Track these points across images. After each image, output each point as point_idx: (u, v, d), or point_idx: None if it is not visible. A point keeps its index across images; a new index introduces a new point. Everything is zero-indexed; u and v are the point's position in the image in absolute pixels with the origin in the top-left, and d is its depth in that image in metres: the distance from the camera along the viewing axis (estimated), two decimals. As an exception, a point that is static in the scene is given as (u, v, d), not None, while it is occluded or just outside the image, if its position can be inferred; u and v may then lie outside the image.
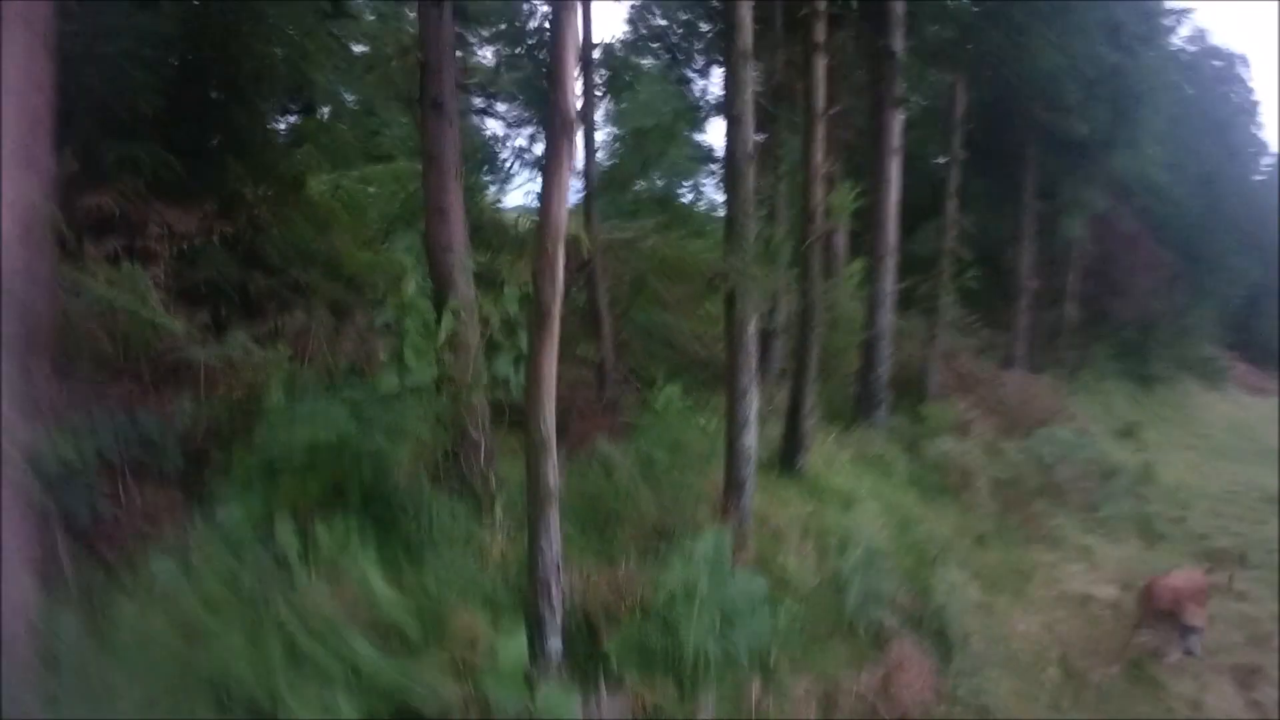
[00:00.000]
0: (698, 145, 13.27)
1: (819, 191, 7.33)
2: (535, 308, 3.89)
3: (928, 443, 9.20)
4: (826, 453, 8.20)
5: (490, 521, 5.22)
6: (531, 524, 4.01)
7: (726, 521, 5.55)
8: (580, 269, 8.34)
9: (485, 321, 5.61)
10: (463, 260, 5.52)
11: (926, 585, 6.09)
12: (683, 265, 9.66)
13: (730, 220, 5.94)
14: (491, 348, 5.57)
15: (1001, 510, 8.83)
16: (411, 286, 4.99)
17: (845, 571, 5.55)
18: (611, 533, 5.41)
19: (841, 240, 10.27)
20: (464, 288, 5.44)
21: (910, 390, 10.00)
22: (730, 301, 5.81)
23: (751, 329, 5.92)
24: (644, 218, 10.46)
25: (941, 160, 11.76)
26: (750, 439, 5.90)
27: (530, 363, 4.03)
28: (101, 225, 6.50)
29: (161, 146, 6.98)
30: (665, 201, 10.28)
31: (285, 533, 3.91)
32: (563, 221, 3.88)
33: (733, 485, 5.89)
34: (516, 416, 7.39)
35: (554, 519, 3.99)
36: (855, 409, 9.33)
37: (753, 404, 5.91)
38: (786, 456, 7.51)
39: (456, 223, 5.50)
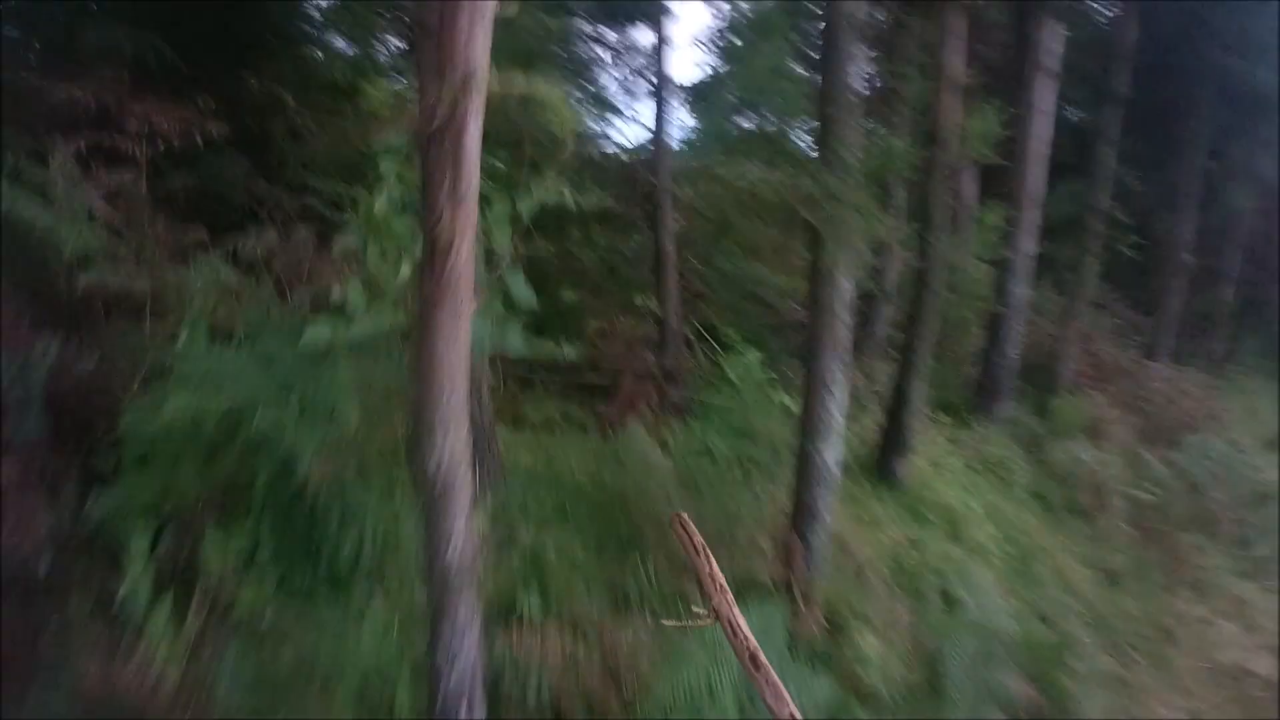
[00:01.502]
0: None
1: (952, 106, 5.62)
2: (425, 237, 2.33)
3: (1055, 446, 7.50)
4: (934, 454, 6.67)
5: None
6: (432, 622, 2.53)
7: (787, 563, 4.15)
8: (645, 199, 6.90)
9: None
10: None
11: (1052, 673, 4.57)
12: (779, 204, 7.97)
13: (823, 122, 4.12)
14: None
15: (1141, 541, 7.11)
16: (383, 198, 3.64)
17: (949, 665, 4.06)
18: (626, 561, 4.11)
19: (971, 183, 8.40)
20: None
21: (1037, 378, 8.22)
22: (816, 243, 4.10)
23: (845, 287, 4.17)
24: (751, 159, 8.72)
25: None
26: (832, 449, 4.33)
27: (418, 344, 2.41)
28: (75, 122, 5.45)
29: (156, 33, 5.84)
30: (775, 142, 8.47)
31: (136, 558, 2.69)
32: (476, 58, 2.19)
33: (803, 513, 4.37)
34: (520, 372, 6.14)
35: (467, 611, 2.52)
36: (972, 399, 7.65)
37: (840, 397, 4.29)
38: (884, 459, 6.02)
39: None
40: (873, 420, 6.53)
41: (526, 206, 4.26)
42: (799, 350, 7.77)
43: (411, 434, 2.91)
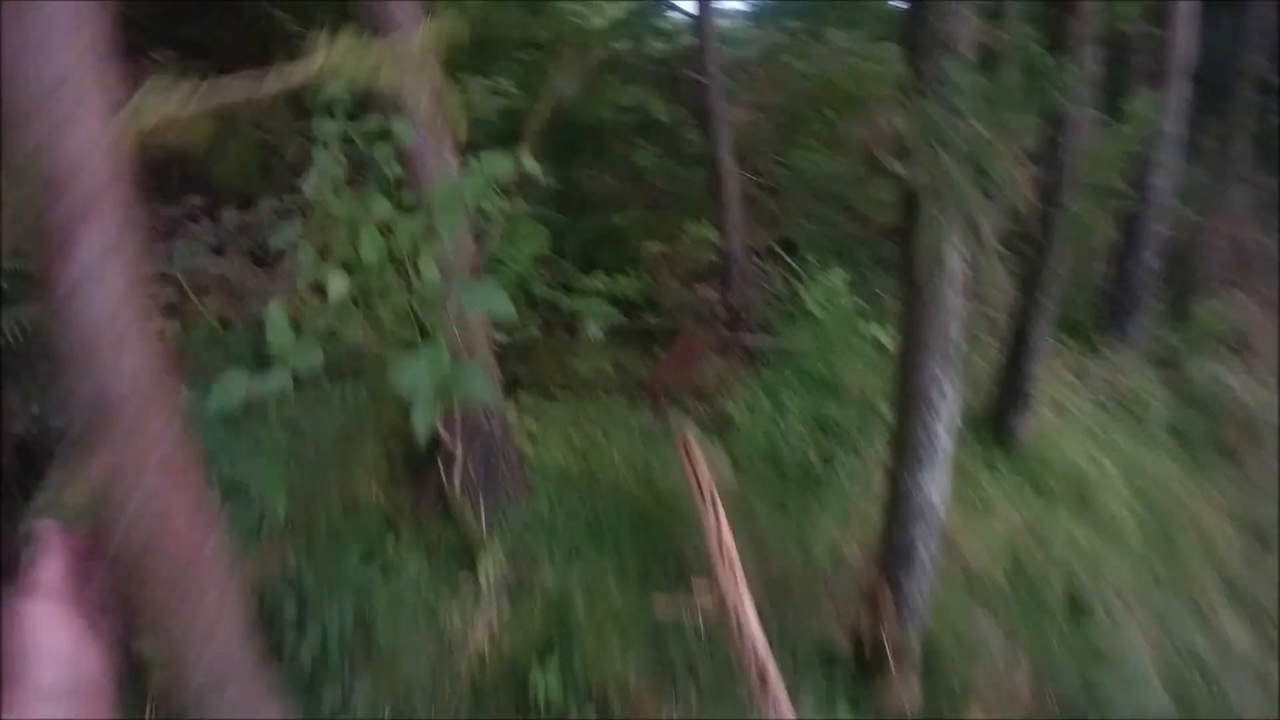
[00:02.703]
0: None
1: None
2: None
3: (1195, 366, 6.29)
4: (1058, 394, 5.60)
5: (474, 579, 3.30)
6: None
7: (874, 615, 3.28)
8: (693, 101, 5.70)
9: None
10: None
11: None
12: (865, 87, 6.53)
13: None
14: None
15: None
16: (317, 174, 2.63)
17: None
18: (674, 601, 3.29)
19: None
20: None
21: (1174, 277, 6.87)
22: (911, 209, 2.80)
23: (956, 267, 2.89)
24: (823, 22, 7.09)
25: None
26: (937, 481, 3.21)
27: None
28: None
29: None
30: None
31: None
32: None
33: (895, 557, 3.29)
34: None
35: None
36: (1101, 315, 6.42)
37: (948, 414, 3.11)
38: (999, 416, 5.00)
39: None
40: (983, 359, 5.45)
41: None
42: (892, 264, 6.72)
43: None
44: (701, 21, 5.52)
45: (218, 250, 4.15)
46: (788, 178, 6.64)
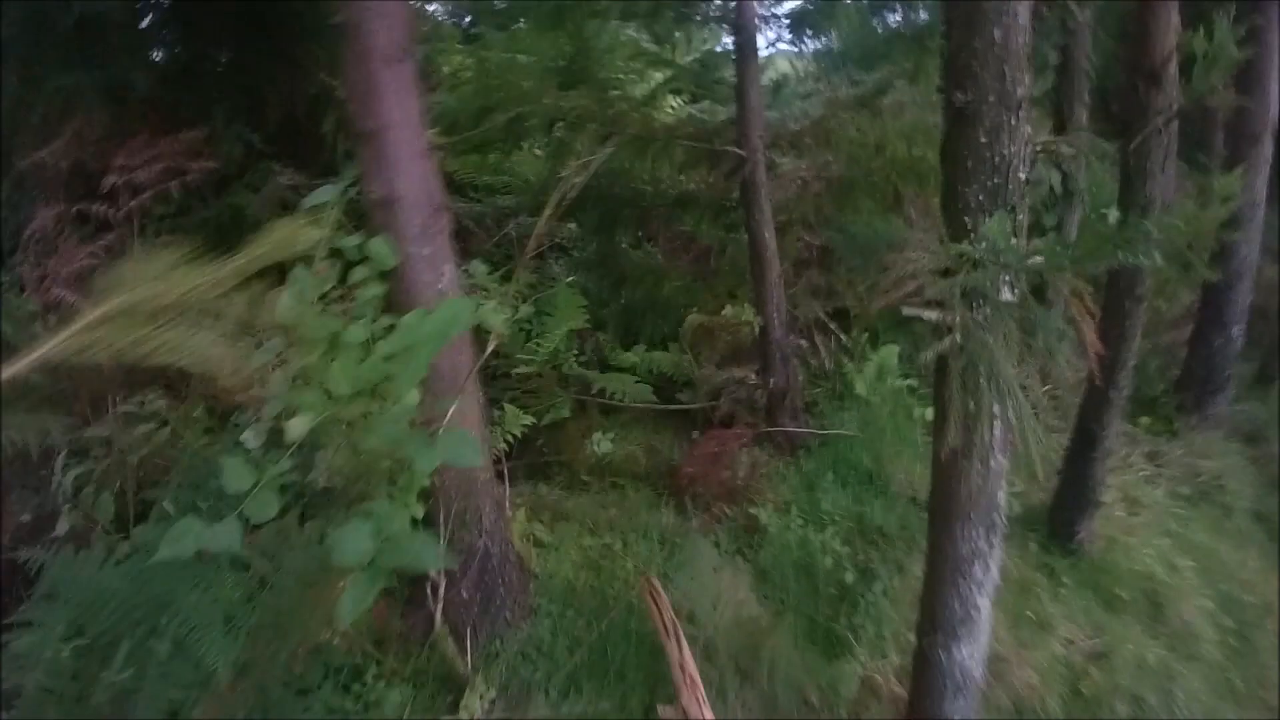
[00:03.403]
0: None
1: (1165, 19, 3.74)
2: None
3: (1281, 445, 5.74)
4: (1128, 485, 5.17)
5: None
6: None
7: None
8: (731, 173, 5.52)
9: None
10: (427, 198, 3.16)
11: None
12: (927, 150, 6.17)
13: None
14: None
15: None
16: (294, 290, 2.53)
17: None
18: None
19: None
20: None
21: (1258, 346, 6.30)
22: (942, 371, 2.47)
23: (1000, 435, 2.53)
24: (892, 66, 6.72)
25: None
26: (975, 652, 2.87)
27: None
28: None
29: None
30: (922, 40, 6.48)
31: None
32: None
33: None
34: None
35: None
36: (1180, 391, 5.95)
37: (989, 582, 2.78)
38: (1063, 518, 4.63)
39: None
40: (1049, 444, 5.05)
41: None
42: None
43: None
44: (743, 91, 5.33)
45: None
46: (839, 243, 6.36)
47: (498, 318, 3.55)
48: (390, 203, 3.06)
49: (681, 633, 2.34)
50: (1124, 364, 4.29)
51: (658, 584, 2.37)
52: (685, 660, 2.30)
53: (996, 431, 2.55)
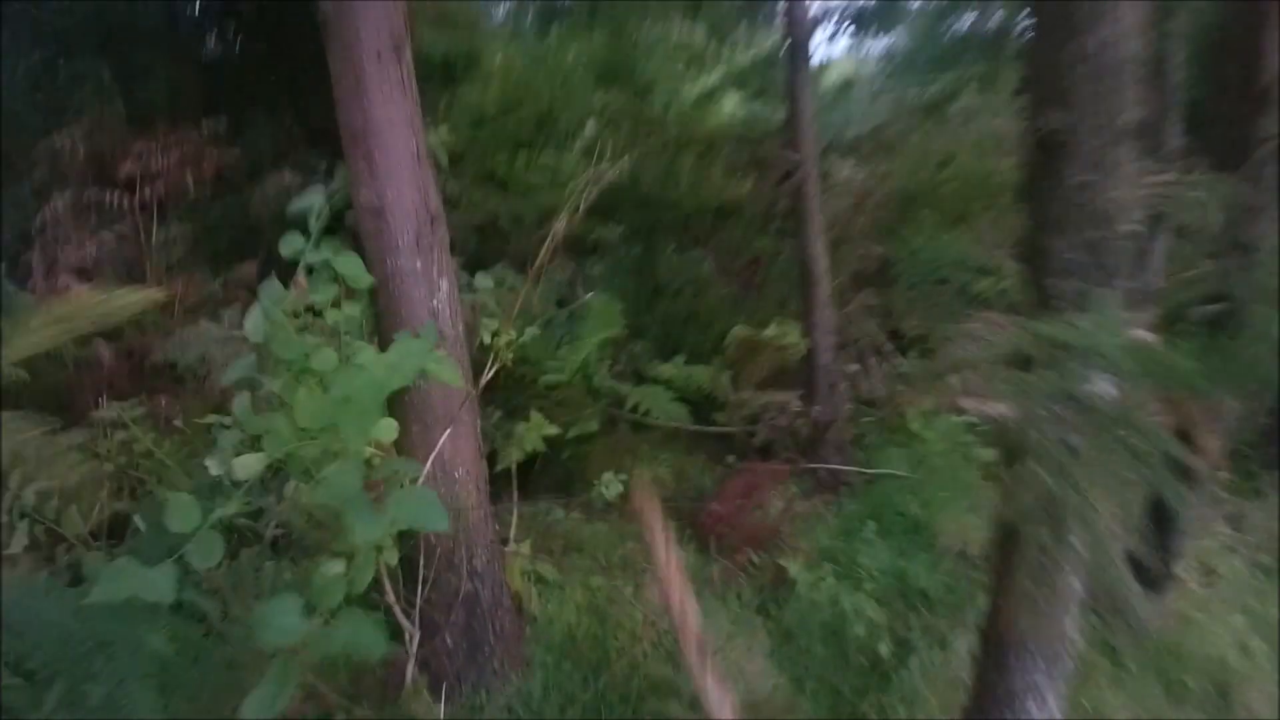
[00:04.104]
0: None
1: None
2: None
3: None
4: (1202, 552, 4.57)
5: None
6: None
7: None
8: (782, 180, 5.08)
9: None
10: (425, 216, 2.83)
11: None
12: (1000, 165, 5.59)
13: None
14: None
15: None
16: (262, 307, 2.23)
17: None
18: None
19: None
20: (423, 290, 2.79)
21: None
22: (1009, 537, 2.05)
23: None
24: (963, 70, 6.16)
25: None
26: None
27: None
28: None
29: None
30: (996, 46, 5.91)
31: None
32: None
33: None
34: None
35: None
36: (1265, 446, 5.28)
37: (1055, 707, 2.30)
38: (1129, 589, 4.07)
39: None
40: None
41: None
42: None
43: None
44: (795, 94, 4.88)
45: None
46: (899, 260, 5.86)
47: (501, 340, 3.23)
48: (379, 211, 2.75)
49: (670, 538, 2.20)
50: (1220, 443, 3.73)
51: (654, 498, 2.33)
52: (670, 551, 2.16)
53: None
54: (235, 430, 2.41)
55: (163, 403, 3.85)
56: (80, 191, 4.35)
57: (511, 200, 6.65)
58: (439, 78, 5.45)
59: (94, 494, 3.16)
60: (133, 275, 4.38)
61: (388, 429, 2.41)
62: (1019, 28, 5.98)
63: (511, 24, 7.33)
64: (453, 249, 6.34)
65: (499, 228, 6.16)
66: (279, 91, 5.09)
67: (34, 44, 4.35)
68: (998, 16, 6.47)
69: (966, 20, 6.57)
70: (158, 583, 2.07)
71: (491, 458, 4.65)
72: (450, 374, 2.27)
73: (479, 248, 6.18)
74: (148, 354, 4.09)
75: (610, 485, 3.94)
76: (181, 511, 2.24)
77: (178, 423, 3.58)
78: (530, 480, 4.86)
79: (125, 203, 4.38)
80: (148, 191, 4.42)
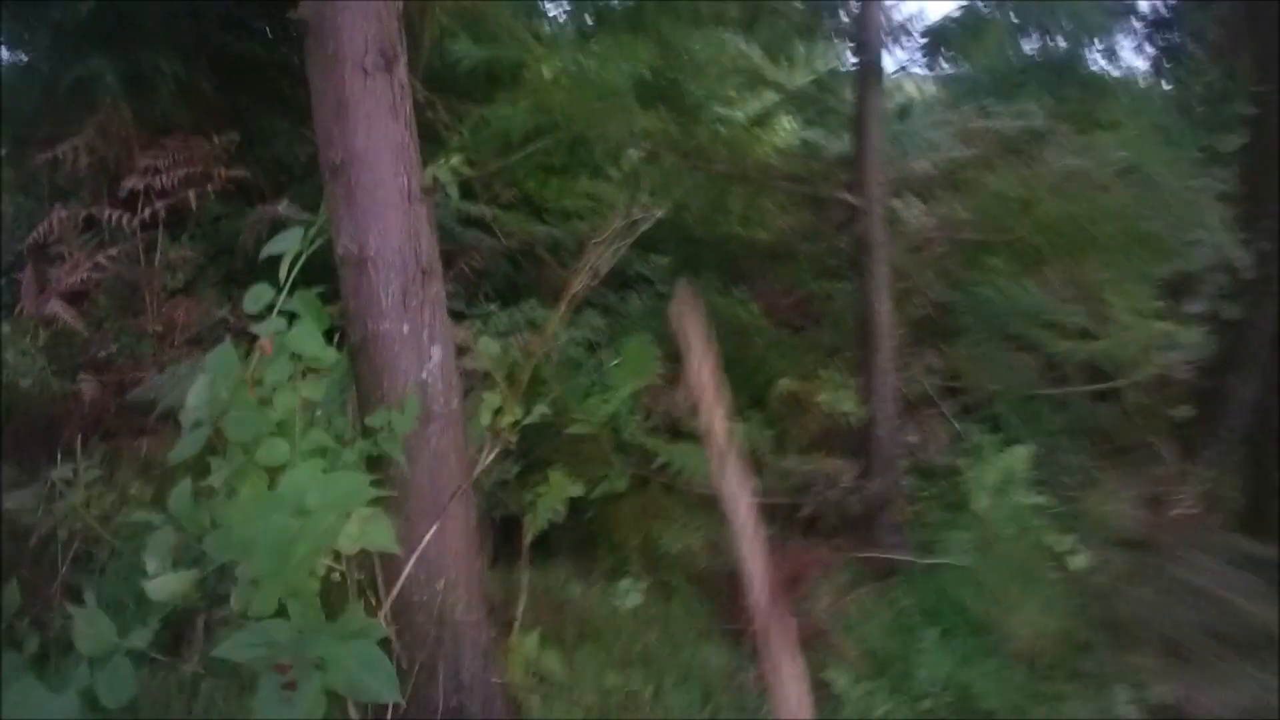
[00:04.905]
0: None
1: None
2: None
3: None
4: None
5: None
6: None
7: None
8: (841, 226, 4.60)
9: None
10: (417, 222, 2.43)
11: None
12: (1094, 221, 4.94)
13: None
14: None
15: None
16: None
17: None
18: None
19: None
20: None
21: None
22: None
23: None
24: (1028, 99, 5.56)
25: None
26: None
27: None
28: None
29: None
30: (1067, 70, 5.32)
31: None
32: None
33: None
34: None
35: None
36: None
37: None
38: None
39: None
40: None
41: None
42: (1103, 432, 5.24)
43: None
44: (862, 124, 4.38)
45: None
46: (965, 312, 5.31)
47: (506, 420, 2.80)
48: (360, 262, 2.31)
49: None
50: None
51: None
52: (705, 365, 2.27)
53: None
54: (163, 529, 2.03)
55: (144, 446, 3.49)
56: (80, 207, 4.02)
57: (549, 225, 6.25)
58: (464, 88, 5.06)
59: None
60: (131, 301, 4.04)
61: (370, 534, 2.00)
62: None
63: (553, 33, 6.91)
64: (483, 277, 5.93)
65: (535, 254, 5.75)
66: (300, 102, 4.73)
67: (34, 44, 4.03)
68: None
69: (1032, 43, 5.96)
70: (57, 713, 1.70)
71: (505, 524, 4.24)
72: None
73: (511, 277, 5.78)
74: (136, 389, 3.74)
75: (630, 594, 3.48)
76: (90, 630, 1.85)
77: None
78: (548, 540, 4.44)
79: (128, 220, 4.04)
80: (151, 210, 4.08)
